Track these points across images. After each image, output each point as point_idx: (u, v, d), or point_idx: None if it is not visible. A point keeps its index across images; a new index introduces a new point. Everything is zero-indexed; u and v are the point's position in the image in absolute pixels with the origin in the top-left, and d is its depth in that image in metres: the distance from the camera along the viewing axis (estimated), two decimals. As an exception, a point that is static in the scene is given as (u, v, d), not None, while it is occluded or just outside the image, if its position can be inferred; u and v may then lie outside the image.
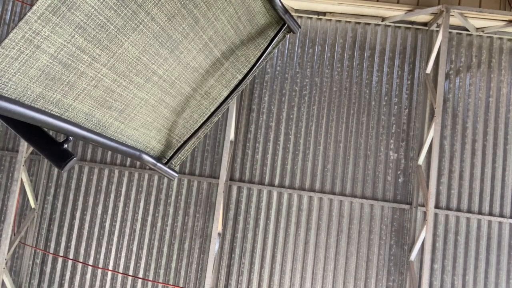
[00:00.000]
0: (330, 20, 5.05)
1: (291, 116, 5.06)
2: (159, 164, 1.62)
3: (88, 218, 5.16)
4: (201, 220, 4.97)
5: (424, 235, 4.30)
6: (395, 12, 4.75)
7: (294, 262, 4.82)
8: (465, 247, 4.74)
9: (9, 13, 5.57)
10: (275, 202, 4.95)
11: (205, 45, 1.51)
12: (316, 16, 5.06)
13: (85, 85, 1.16)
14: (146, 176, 5.12)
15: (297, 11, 5.03)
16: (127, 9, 1.13)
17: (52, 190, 5.20)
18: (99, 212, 5.12)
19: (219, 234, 4.91)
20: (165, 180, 5.08)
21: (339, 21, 5.06)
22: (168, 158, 1.70)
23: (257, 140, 5.07)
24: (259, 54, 1.74)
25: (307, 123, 5.01)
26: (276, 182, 4.97)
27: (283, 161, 5.01)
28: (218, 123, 5.14)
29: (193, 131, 1.72)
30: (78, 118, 1.17)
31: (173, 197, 5.04)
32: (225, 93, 1.73)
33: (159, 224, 5.03)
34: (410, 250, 4.77)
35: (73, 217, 5.15)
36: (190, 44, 1.44)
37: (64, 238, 5.13)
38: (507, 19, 4.47)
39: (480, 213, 4.76)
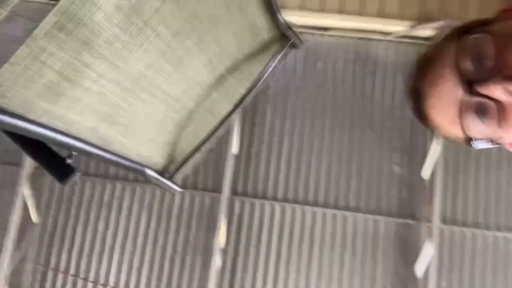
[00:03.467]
0: (332, 35, 5.10)
1: (295, 130, 5.06)
2: (162, 179, 1.62)
3: (89, 233, 5.14)
4: (203, 235, 4.93)
5: (429, 250, 4.25)
6: (398, 28, 4.79)
7: (297, 278, 4.76)
8: (470, 262, 4.67)
9: None
10: (277, 218, 4.92)
11: (210, 60, 1.52)
12: (320, 32, 5.11)
13: (90, 101, 1.17)
14: (148, 190, 5.11)
15: (300, 27, 5.08)
16: (133, 26, 1.14)
17: (54, 205, 5.20)
18: (101, 227, 5.10)
19: (221, 249, 4.87)
20: (167, 195, 5.07)
21: (342, 36, 5.10)
22: (171, 173, 1.70)
23: (260, 155, 5.06)
24: (262, 69, 1.75)
25: (310, 137, 5.02)
26: (280, 196, 4.95)
27: (286, 175, 5.00)
28: (221, 137, 5.15)
29: (196, 145, 1.73)
30: (82, 133, 1.17)
31: (175, 212, 5.02)
32: (229, 108, 1.74)
33: (161, 239, 4.99)
34: (415, 265, 4.71)
35: (74, 232, 5.13)
36: (195, 60, 1.45)
37: (65, 254, 5.10)
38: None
39: (486, 228, 4.71)
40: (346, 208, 4.83)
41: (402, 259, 4.71)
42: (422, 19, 4.79)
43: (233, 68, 1.66)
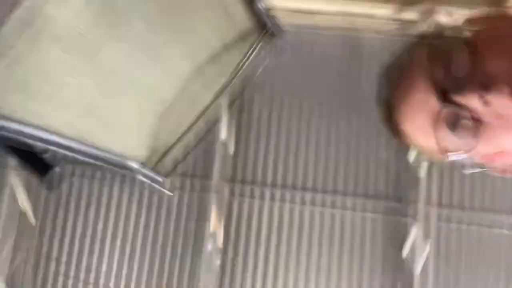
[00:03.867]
0: (318, 20, 5.08)
1: (282, 118, 5.07)
2: (144, 170, 1.63)
3: (89, 234, 5.15)
4: (205, 235, 4.96)
5: (416, 232, 4.32)
6: (383, 10, 4.78)
7: (297, 275, 4.83)
8: (467, 249, 4.77)
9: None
10: (277, 206, 4.95)
11: (187, 51, 1.52)
12: (305, 16, 5.09)
13: (65, 95, 1.17)
14: (146, 193, 5.11)
15: (284, 10, 5.06)
16: (105, 20, 1.14)
17: (52, 208, 5.18)
18: (100, 229, 5.10)
19: (220, 248, 4.91)
20: (166, 195, 5.07)
21: (330, 29, 5.08)
22: (154, 163, 1.71)
23: (254, 141, 5.07)
24: (242, 58, 1.75)
25: (298, 123, 5.04)
26: (276, 183, 4.98)
27: (285, 163, 5.02)
28: (214, 133, 5.14)
29: (179, 136, 1.73)
30: (58, 127, 1.18)
31: (174, 213, 5.03)
32: (210, 98, 1.74)
33: (160, 240, 5.01)
34: (402, 248, 4.80)
35: (73, 235, 5.13)
36: (172, 51, 1.45)
37: (64, 257, 5.10)
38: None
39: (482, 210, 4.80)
40: (335, 191, 4.88)
41: (391, 244, 4.79)
42: (408, 1, 4.79)
43: (213, 59, 1.65)
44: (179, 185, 5.14)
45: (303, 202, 4.97)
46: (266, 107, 5.09)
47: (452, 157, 0.48)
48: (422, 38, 0.50)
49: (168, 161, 1.77)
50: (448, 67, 0.44)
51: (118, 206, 5.04)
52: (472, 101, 0.42)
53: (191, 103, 1.69)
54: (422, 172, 4.35)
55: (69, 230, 5.09)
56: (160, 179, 1.70)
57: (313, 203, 5.00)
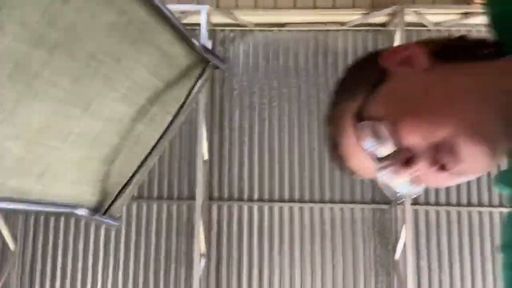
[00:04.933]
0: (291, 30, 5.09)
1: (264, 129, 5.07)
2: (95, 217, 1.62)
3: (70, 255, 5.13)
4: (184, 244, 4.96)
5: (405, 233, 4.32)
6: (353, 17, 4.80)
7: (282, 275, 4.82)
8: (448, 241, 4.77)
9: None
10: (256, 217, 4.95)
11: (124, 95, 1.52)
12: (277, 28, 5.10)
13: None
14: (124, 208, 5.10)
15: (256, 25, 5.07)
16: (20, 83, 1.14)
17: (31, 232, 5.17)
18: (81, 247, 5.09)
19: (203, 255, 4.91)
20: (144, 208, 5.07)
21: (300, 30, 5.10)
22: (106, 207, 1.70)
23: (232, 157, 5.08)
24: (187, 93, 1.75)
25: (280, 134, 5.04)
26: (256, 196, 4.98)
27: (260, 175, 5.02)
28: (192, 143, 5.14)
29: (129, 177, 1.73)
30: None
31: (154, 225, 5.03)
32: (157, 136, 1.74)
33: (142, 253, 5.01)
34: (395, 249, 4.80)
35: (55, 257, 5.12)
36: (106, 99, 1.45)
37: (48, 279, 5.09)
38: (461, 11, 4.53)
39: (459, 204, 4.79)
40: (322, 200, 4.88)
41: (381, 244, 4.79)
42: (374, 6, 4.80)
43: (155, 97, 1.65)
44: (157, 208, 5.11)
45: (291, 212, 4.95)
46: (246, 122, 5.09)
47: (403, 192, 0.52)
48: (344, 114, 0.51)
49: (122, 201, 1.76)
50: (376, 147, 0.47)
51: (97, 226, 5.02)
52: (399, 173, 0.47)
53: (137, 143, 1.69)
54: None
55: (50, 254, 5.07)
56: (113, 222, 1.69)
57: (301, 210, 4.97)
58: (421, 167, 0.45)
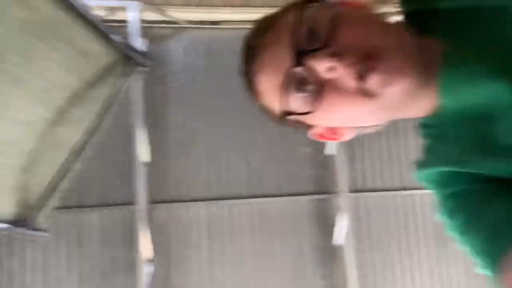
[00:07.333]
0: (223, 28, 5.08)
1: (202, 126, 5.03)
2: (17, 229, 1.51)
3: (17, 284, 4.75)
4: (131, 251, 4.78)
5: (342, 221, 4.49)
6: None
7: (234, 275, 4.81)
8: (385, 226, 5.02)
9: None
10: (203, 216, 4.90)
11: (39, 97, 1.42)
12: (211, 26, 5.07)
13: None
14: (62, 217, 4.82)
15: (190, 22, 5.00)
16: None
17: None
18: (15, 267, 4.73)
19: (150, 260, 4.77)
20: (86, 218, 4.82)
21: (234, 28, 5.11)
22: (30, 219, 1.59)
23: (176, 157, 4.97)
24: (111, 91, 1.68)
25: (217, 131, 5.02)
26: (199, 195, 4.92)
27: (203, 173, 4.97)
28: (130, 146, 4.96)
29: (53, 185, 1.62)
30: None
31: (97, 234, 4.80)
32: (79, 137, 1.65)
33: (87, 265, 4.76)
34: (334, 236, 4.97)
35: None
36: (17, 101, 1.35)
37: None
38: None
39: (393, 190, 5.07)
40: (263, 194, 4.93)
41: (323, 234, 4.94)
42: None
43: (75, 97, 1.57)
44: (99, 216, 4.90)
45: (230, 209, 4.96)
46: (184, 121, 5.00)
47: (291, 118, 0.50)
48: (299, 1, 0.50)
49: (47, 211, 1.65)
50: (310, 30, 0.46)
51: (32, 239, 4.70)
52: (319, 65, 0.45)
53: (58, 147, 1.59)
54: (341, 161, 4.52)
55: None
56: (41, 233, 1.58)
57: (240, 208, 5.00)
58: (343, 66, 0.45)
